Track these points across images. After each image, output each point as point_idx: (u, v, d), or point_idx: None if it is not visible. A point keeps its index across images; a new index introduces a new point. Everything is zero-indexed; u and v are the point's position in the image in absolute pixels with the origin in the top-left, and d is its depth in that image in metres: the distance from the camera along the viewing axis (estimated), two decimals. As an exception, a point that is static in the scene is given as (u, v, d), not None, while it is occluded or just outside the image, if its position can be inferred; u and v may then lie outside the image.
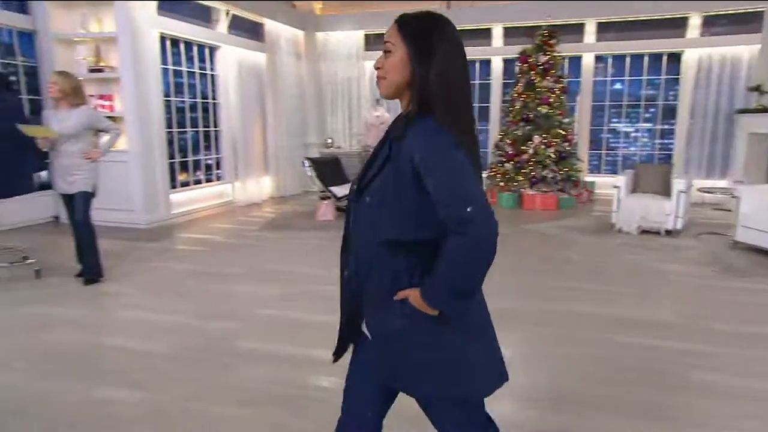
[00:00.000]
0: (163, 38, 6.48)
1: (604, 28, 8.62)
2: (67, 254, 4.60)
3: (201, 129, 7.54)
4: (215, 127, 7.78)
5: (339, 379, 2.54)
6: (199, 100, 7.46)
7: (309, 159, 7.12)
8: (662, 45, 8.39)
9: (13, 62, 6.18)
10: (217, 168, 7.94)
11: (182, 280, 4.23)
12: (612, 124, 9.18)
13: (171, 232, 6.17)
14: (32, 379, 2.66)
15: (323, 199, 6.79)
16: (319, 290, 3.97)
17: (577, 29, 8.68)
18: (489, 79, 9.27)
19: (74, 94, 3.79)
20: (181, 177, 7.27)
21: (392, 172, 1.21)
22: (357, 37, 9.11)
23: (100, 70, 6.09)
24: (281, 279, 4.27)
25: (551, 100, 7.85)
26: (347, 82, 9.26)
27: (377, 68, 1.26)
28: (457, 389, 1.30)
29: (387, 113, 8.06)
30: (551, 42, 7.94)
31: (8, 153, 3.79)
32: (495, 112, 9.26)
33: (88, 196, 3.92)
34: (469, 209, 1.11)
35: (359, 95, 9.23)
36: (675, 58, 8.50)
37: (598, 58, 8.86)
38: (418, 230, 1.21)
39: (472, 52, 9.19)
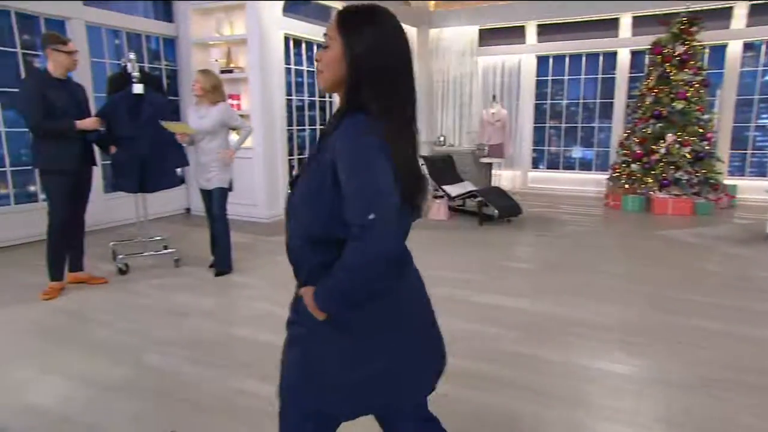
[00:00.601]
0: (286, 39, 6.76)
1: (758, 11, 7.64)
2: (200, 245, 4.96)
3: (318, 127, 7.79)
4: (331, 124, 7.98)
5: (479, 391, 2.45)
6: (316, 98, 7.70)
7: (422, 157, 7.06)
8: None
9: (158, 66, 6.78)
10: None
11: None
12: (761, 121, 8.14)
13: (289, 226, 6.42)
14: (177, 363, 2.85)
15: (436, 198, 6.72)
16: (439, 293, 3.89)
17: (724, 14, 7.79)
18: (613, 73, 8.63)
19: (214, 92, 4.03)
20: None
21: (316, 167, 1.19)
22: (471, 32, 8.90)
23: (230, 71, 6.49)
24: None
25: (688, 94, 7.13)
26: (459, 78, 9.08)
27: (317, 60, 1.24)
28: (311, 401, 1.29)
29: (504, 110, 7.80)
30: (691, 30, 7.20)
31: (159, 149, 4.13)
32: (619, 109, 8.61)
33: (224, 192, 4.16)
34: (371, 216, 1.07)
35: (471, 92, 9.02)
36: None
37: (748, 46, 7.89)
38: (334, 227, 1.17)
39: (597, 45, 8.61)
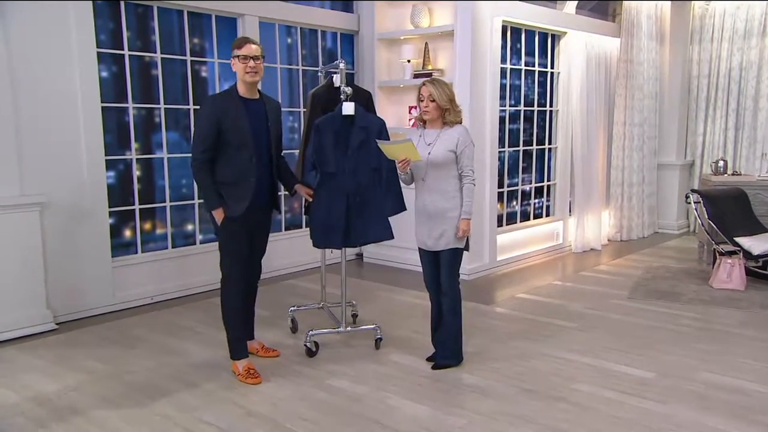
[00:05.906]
0: (503, 28, 6.40)
1: None
2: (392, 313, 4.85)
3: (535, 147, 7.28)
4: (549, 143, 7.45)
5: None
6: (535, 108, 7.21)
7: (697, 192, 6.21)
8: None
9: (335, 71, 6.78)
10: (545, 197, 7.57)
11: (565, 381, 3.75)
12: None
13: (501, 288, 5.98)
14: None
15: (723, 255, 5.80)
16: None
17: None
18: None
19: (452, 109, 3.70)
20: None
21: None
22: (759, 3, 7.82)
23: (427, 75, 6.26)
24: (737, 404, 3.44)
25: None
26: (738, 72, 8.04)
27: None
28: None
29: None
30: None
31: (370, 188, 3.94)
32: None
33: (458, 255, 3.81)
34: None
35: (758, 92, 7.90)
36: None
37: None
38: None
39: None
